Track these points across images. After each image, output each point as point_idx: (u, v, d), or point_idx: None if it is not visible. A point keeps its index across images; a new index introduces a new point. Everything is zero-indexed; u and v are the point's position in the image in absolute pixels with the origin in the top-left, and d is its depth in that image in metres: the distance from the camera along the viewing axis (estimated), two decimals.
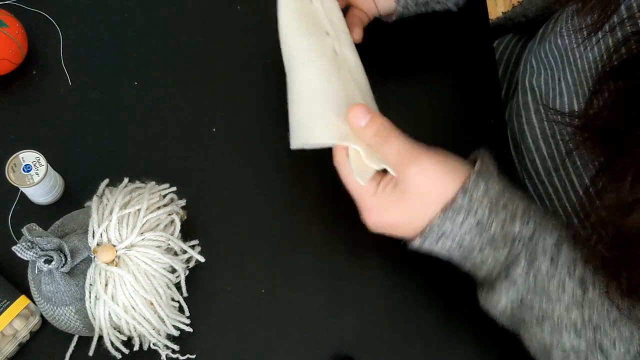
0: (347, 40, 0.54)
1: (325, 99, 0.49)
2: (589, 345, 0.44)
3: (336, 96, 0.49)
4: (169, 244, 0.52)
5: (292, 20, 0.53)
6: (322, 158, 0.52)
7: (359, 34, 0.58)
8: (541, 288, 0.45)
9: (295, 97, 0.51)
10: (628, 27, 0.46)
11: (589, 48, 0.52)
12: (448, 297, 0.57)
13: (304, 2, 0.53)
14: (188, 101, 0.63)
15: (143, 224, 0.50)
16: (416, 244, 0.47)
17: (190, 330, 0.53)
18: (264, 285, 0.57)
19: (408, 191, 0.46)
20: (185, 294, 0.53)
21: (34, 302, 0.51)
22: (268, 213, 0.59)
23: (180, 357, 0.53)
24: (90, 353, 0.50)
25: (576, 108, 0.54)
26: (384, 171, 0.48)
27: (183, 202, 0.55)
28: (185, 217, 0.56)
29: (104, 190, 0.52)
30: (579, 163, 0.54)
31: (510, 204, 0.46)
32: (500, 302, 0.47)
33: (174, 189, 0.54)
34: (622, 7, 0.47)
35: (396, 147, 0.46)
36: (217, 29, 0.67)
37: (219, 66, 0.65)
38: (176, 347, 0.52)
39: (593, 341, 0.44)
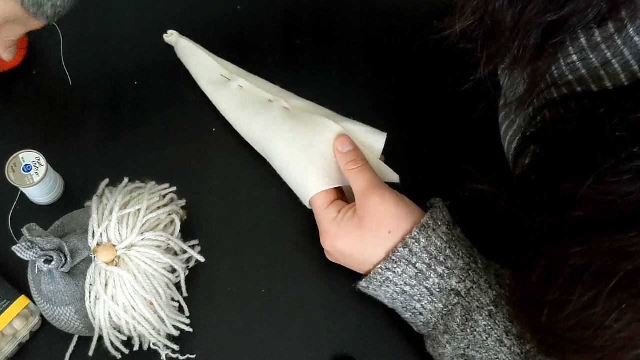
0: (286, 92, 0.61)
1: (302, 161, 0.54)
2: None
3: (308, 151, 0.54)
4: (169, 244, 0.52)
5: (237, 109, 0.59)
6: None
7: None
8: (481, 343, 0.46)
9: (279, 170, 0.57)
10: (547, 94, 0.45)
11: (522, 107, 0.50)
12: None
13: (236, 91, 0.60)
14: (188, 101, 0.63)
15: (143, 224, 0.50)
16: (363, 285, 0.50)
17: (190, 330, 0.53)
18: (264, 285, 0.57)
19: (365, 218, 0.49)
20: (185, 294, 0.53)
21: (34, 302, 0.51)
22: (268, 213, 0.59)
23: (180, 357, 0.53)
24: (90, 353, 0.50)
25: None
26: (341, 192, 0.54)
27: (183, 202, 0.55)
28: (185, 217, 0.56)
29: (104, 190, 0.52)
30: None
31: (450, 261, 0.48)
32: (445, 355, 0.48)
33: (174, 189, 0.54)
34: (554, 70, 0.44)
35: (368, 177, 0.50)
36: (217, 28, 0.67)
37: None
38: (176, 347, 0.52)
39: None
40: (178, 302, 0.53)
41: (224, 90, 0.60)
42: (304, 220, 0.58)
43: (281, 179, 0.58)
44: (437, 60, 0.60)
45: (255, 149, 0.59)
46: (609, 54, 0.39)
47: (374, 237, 0.48)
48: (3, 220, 0.56)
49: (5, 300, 0.52)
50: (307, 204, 0.54)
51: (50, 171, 0.54)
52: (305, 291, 0.57)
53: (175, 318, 0.52)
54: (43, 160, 0.53)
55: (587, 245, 0.34)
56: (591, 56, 0.41)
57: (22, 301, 0.52)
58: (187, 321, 0.53)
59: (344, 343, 0.55)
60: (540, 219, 0.38)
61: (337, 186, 0.53)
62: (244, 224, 0.59)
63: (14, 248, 0.45)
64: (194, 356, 0.53)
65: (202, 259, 0.54)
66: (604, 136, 0.34)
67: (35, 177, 0.52)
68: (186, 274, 0.53)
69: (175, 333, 0.52)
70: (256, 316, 0.56)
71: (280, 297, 0.56)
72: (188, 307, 0.53)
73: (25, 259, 0.46)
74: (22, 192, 0.56)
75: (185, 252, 0.53)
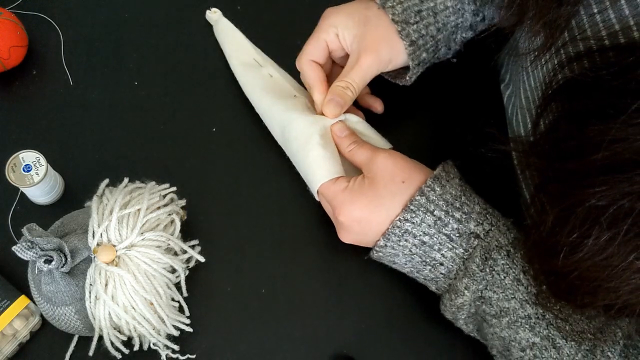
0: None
1: (320, 145, 0.54)
2: (543, 340, 0.45)
3: (327, 137, 0.54)
4: (169, 244, 0.52)
5: (262, 92, 0.60)
6: None
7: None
8: (498, 282, 0.46)
9: (295, 152, 0.56)
10: (570, 49, 0.46)
11: (538, 66, 0.52)
12: None
13: (265, 78, 0.61)
14: (188, 101, 0.63)
15: (143, 224, 0.50)
16: (380, 244, 0.50)
17: (190, 330, 0.53)
18: (264, 285, 0.57)
19: (376, 177, 0.50)
20: (185, 294, 0.53)
21: (34, 302, 0.51)
22: (268, 213, 0.59)
23: (180, 357, 0.53)
24: (90, 353, 0.50)
25: (529, 126, 0.54)
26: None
27: (183, 202, 0.55)
28: (185, 217, 0.56)
29: (104, 190, 0.52)
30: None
31: (466, 206, 0.49)
32: (464, 302, 0.48)
33: (174, 189, 0.54)
34: (573, 23, 0.46)
35: (369, 147, 0.52)
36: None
37: (219, 66, 0.65)
38: (176, 347, 0.52)
39: (546, 337, 0.45)
40: (178, 302, 0.53)
41: (253, 73, 0.62)
42: (304, 220, 0.58)
43: (281, 178, 0.58)
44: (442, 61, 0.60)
45: (272, 132, 0.59)
46: (626, 10, 0.41)
47: (389, 189, 0.49)
48: (3, 220, 0.56)
49: (5, 300, 0.52)
50: (315, 191, 0.54)
51: (50, 171, 0.54)
52: (305, 291, 0.57)
53: (175, 318, 0.52)
54: (43, 160, 0.53)
55: (607, 186, 0.35)
56: (610, 10, 0.42)
57: (22, 301, 0.52)
58: (187, 321, 0.53)
59: (344, 343, 0.55)
60: (563, 165, 0.39)
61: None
62: (244, 223, 0.59)
63: (14, 248, 0.45)
64: (194, 356, 0.53)
65: (202, 259, 0.54)
66: (632, 83, 0.35)
67: (35, 177, 0.52)
68: (186, 274, 0.53)
69: (175, 333, 0.52)
70: (256, 316, 0.56)
71: (280, 297, 0.56)
72: (188, 307, 0.53)
73: (25, 259, 0.46)
74: (22, 192, 0.56)
75: (185, 252, 0.53)
